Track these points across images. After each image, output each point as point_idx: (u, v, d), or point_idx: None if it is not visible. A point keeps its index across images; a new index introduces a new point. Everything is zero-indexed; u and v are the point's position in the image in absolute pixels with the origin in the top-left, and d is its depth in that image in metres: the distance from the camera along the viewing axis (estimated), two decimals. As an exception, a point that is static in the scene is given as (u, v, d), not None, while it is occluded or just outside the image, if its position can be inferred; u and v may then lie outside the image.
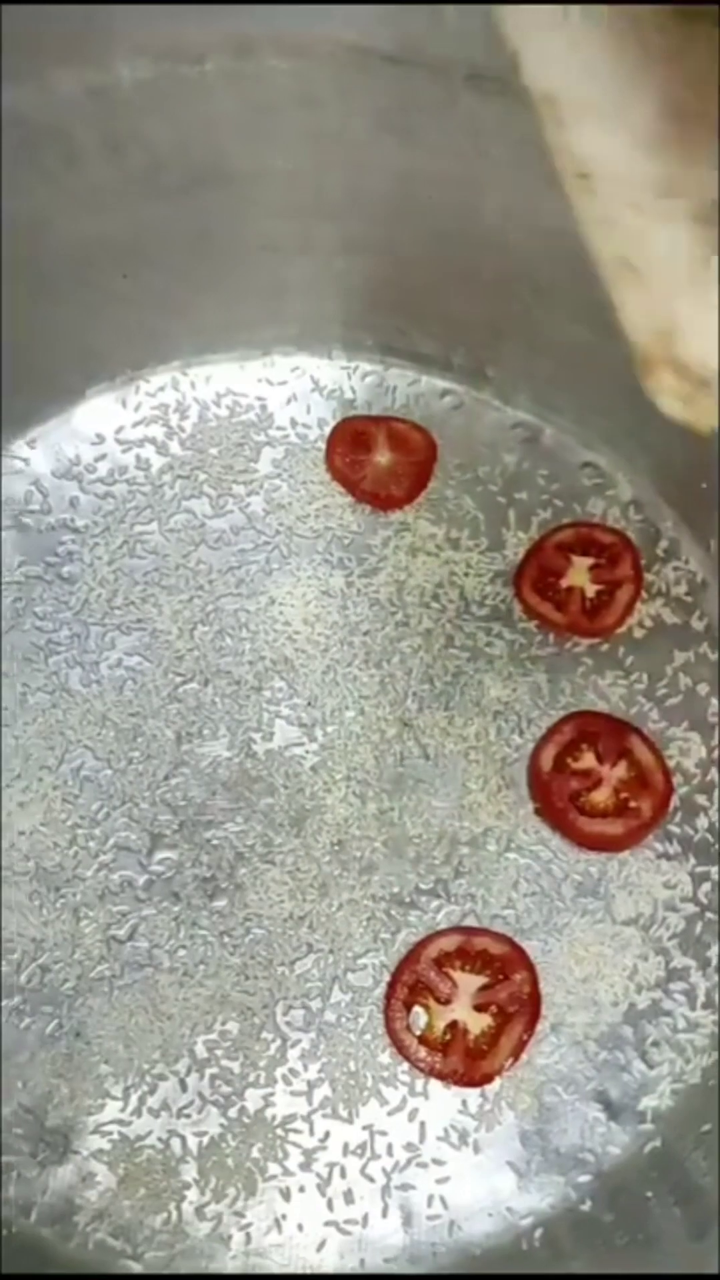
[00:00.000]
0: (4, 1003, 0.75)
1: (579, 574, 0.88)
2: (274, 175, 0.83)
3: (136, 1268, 0.69)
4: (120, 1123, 0.72)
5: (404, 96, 0.76)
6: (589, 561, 0.88)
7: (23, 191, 0.78)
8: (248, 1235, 0.70)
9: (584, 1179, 0.71)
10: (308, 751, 0.82)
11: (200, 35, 0.73)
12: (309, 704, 0.84)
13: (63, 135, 0.76)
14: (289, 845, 0.80)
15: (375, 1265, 0.69)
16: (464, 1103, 0.73)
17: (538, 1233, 0.70)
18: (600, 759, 0.81)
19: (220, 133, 0.80)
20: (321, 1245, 0.70)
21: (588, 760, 0.82)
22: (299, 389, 0.94)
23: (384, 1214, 0.70)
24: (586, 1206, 0.70)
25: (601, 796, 0.80)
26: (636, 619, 0.86)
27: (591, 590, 0.87)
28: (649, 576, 0.88)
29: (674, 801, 0.81)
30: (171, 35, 0.73)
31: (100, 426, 0.92)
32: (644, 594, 0.87)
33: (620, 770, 0.81)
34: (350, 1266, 0.69)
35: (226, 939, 0.77)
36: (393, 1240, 0.70)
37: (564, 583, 0.87)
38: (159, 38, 0.72)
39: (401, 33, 0.74)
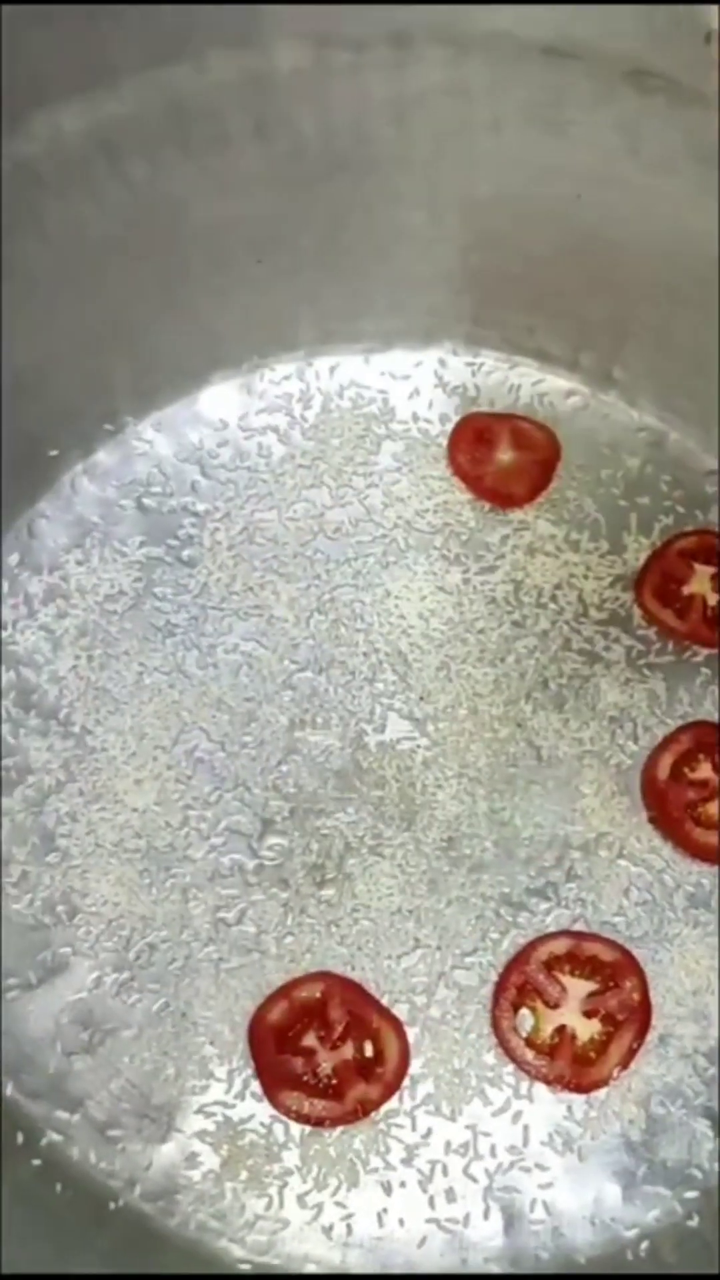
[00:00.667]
0: (113, 977, 0.75)
1: (701, 582, 0.86)
2: (416, 165, 0.83)
3: (236, 1250, 0.69)
4: (224, 1105, 0.72)
5: (558, 90, 0.75)
6: (712, 570, 0.87)
7: (169, 172, 0.79)
8: (349, 1226, 0.69)
9: (691, 1195, 0.70)
10: (419, 746, 0.82)
11: (360, 24, 0.73)
12: (421, 699, 0.83)
13: (215, 117, 0.77)
14: (399, 839, 0.79)
15: (476, 1265, 0.68)
16: (569, 1109, 0.72)
17: (643, 1245, 0.69)
18: (717, 770, 0.80)
19: (368, 121, 0.79)
20: (423, 1242, 0.69)
21: (704, 771, 0.80)
22: (422, 383, 0.94)
23: (485, 1215, 0.70)
24: (694, 1223, 0.69)
25: (717, 808, 0.79)
26: (759, 630, 0.85)
27: (713, 599, 0.86)
28: (773, 588, 0.86)
29: None
30: (332, 23, 0.73)
31: (224, 413, 0.92)
32: (767, 606, 0.86)
33: (739, 782, 0.80)
34: (450, 1265, 0.69)
35: (334, 928, 0.77)
36: (495, 1242, 0.69)
37: (686, 590, 0.86)
38: (321, 24, 0.72)
39: (561, 24, 0.73)
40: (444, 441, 0.91)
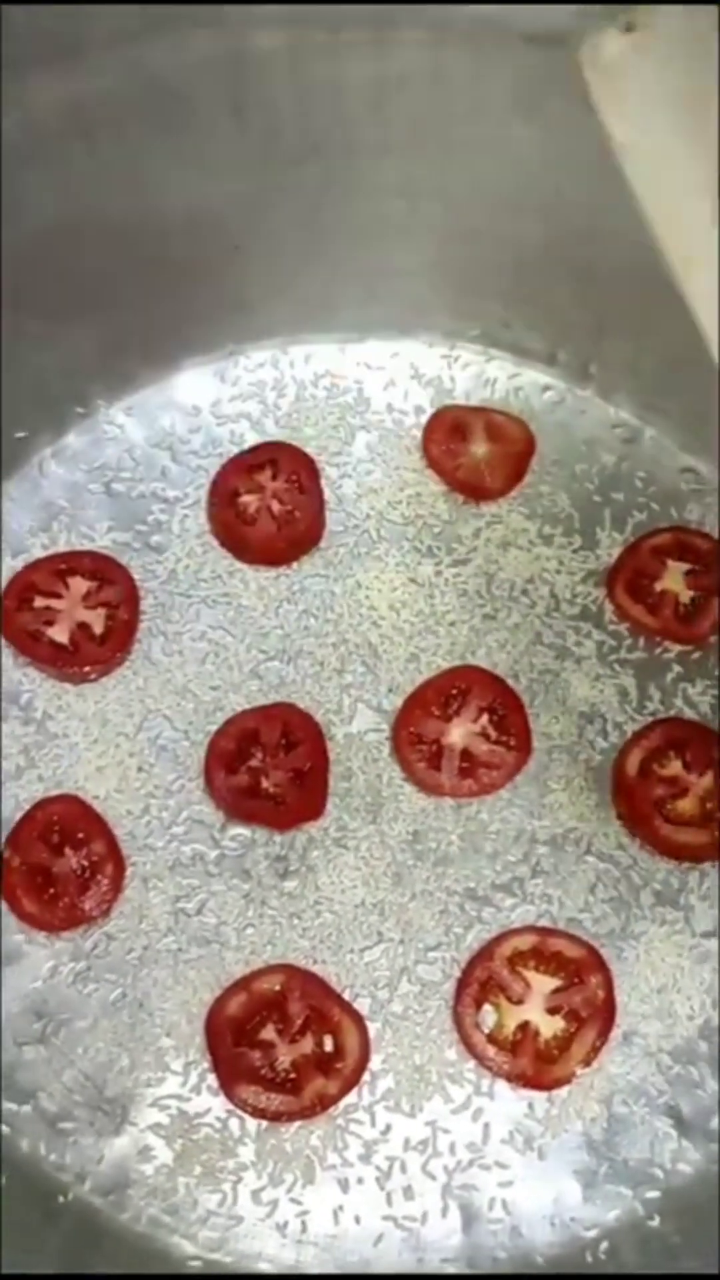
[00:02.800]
0: (69, 966, 0.74)
1: (674, 579, 0.86)
2: (395, 151, 0.82)
3: (188, 1246, 0.67)
4: (179, 1098, 0.71)
5: (541, 79, 0.74)
6: (684, 567, 0.86)
7: (144, 150, 0.78)
8: (304, 1223, 0.68)
9: (652, 1194, 0.69)
10: (387, 738, 0.81)
11: (338, 5, 0.72)
12: (390, 690, 0.82)
13: (191, 96, 0.76)
14: (364, 831, 0.78)
15: (433, 1265, 0.67)
16: (530, 1106, 0.71)
17: (602, 1246, 0.68)
18: (688, 767, 0.80)
19: (346, 105, 0.79)
20: (379, 1240, 0.68)
21: (674, 768, 0.80)
22: (397, 374, 0.93)
23: (444, 1213, 0.69)
24: (654, 1223, 0.68)
25: (687, 805, 0.79)
26: (730, 628, 0.85)
27: (686, 596, 0.85)
28: (745, 586, 0.86)
29: (761, 816, 0.79)
30: (310, 3, 0.72)
31: (197, 399, 0.91)
32: (739, 603, 0.85)
33: (708, 780, 0.79)
34: (407, 1264, 0.67)
35: (296, 921, 0.76)
36: (452, 1241, 0.68)
37: (658, 586, 0.86)
38: (299, 4, 0.72)
39: (544, 11, 0.72)
40: (418, 433, 0.91)
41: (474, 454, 0.90)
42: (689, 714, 0.82)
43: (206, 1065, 0.71)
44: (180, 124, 0.78)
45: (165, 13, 0.73)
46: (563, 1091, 0.71)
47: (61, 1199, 0.67)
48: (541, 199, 0.83)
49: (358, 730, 0.81)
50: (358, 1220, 0.68)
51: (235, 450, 0.89)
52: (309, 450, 0.89)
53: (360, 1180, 0.69)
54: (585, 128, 0.77)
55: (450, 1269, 0.67)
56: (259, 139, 0.80)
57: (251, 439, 0.90)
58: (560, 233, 0.85)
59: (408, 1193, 0.69)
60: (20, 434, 0.87)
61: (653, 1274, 0.62)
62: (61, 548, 0.85)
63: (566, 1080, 0.71)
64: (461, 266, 0.89)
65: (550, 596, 0.86)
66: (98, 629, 0.82)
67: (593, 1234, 0.68)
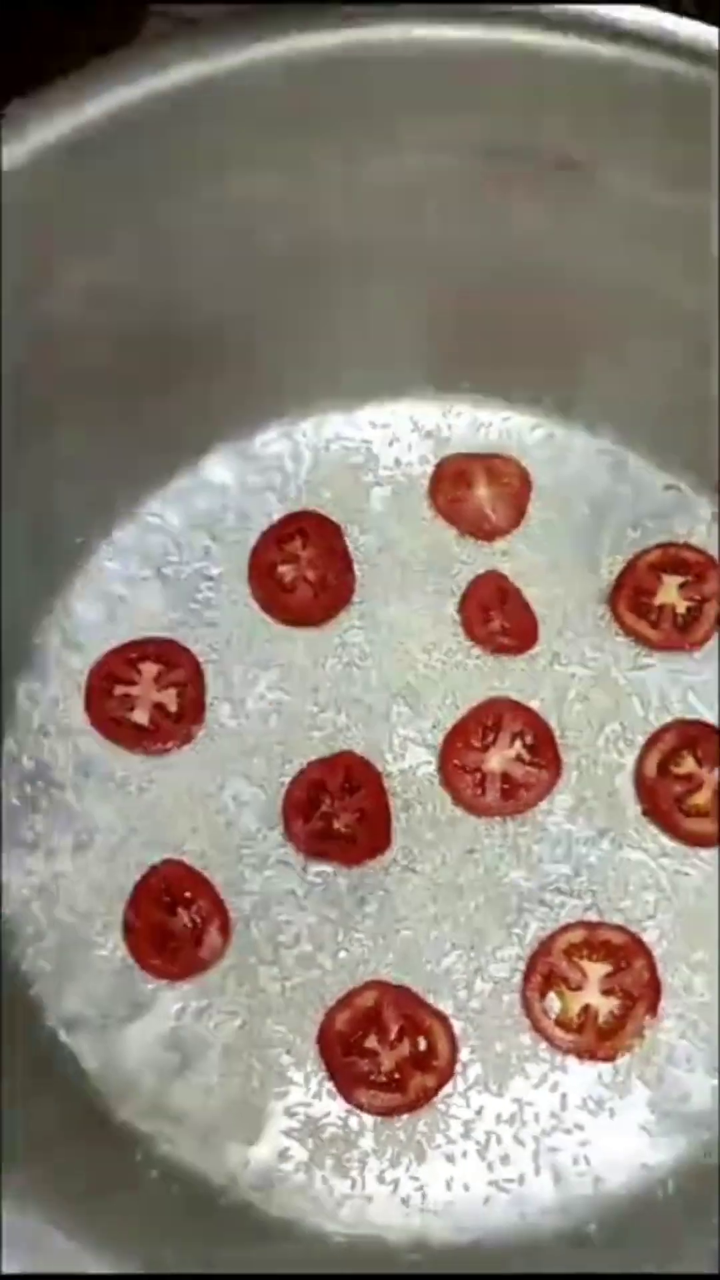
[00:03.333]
0: (193, 1005, 0.86)
1: (669, 592, 0.96)
2: (376, 248, 0.91)
3: (330, 1225, 0.81)
4: (304, 1105, 0.84)
5: (498, 184, 0.83)
6: (678, 580, 0.96)
7: (161, 300, 0.88)
8: (423, 1195, 0.82)
9: (708, 1136, 0.82)
10: (436, 770, 0.92)
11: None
12: (434, 726, 0.94)
13: (192, 240, 0.85)
14: (426, 855, 0.90)
15: (534, 1217, 0.80)
16: (599, 1075, 0.84)
17: (670, 1183, 0.81)
18: (700, 763, 0.91)
19: (329, 223, 0.88)
20: (486, 1201, 0.81)
21: (688, 765, 0.91)
22: (400, 431, 1.02)
23: (536, 1173, 0.82)
24: (711, 1159, 0.81)
25: (703, 798, 0.90)
26: (725, 630, 0.95)
27: (682, 606, 0.96)
28: (734, 590, 0.96)
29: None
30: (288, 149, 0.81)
31: (224, 479, 1.01)
32: (730, 607, 0.96)
33: (718, 773, 0.90)
34: (512, 1219, 0.81)
35: (380, 940, 0.88)
36: (546, 1195, 0.81)
37: (656, 601, 0.96)
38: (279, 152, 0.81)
39: (492, 126, 0.81)
40: (425, 482, 1.01)
41: (478, 497, 1.00)
42: (698, 714, 0.94)
43: (323, 1074, 0.84)
44: (184, 261, 0.87)
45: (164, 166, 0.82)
46: (624, 1060, 0.84)
47: (221, 1200, 0.81)
48: (510, 272, 0.93)
49: (409, 765, 0.93)
50: (466, 1188, 0.82)
51: (265, 521, 0.99)
52: (330, 513, 0.99)
53: (464, 1154, 0.83)
54: (541, 220, 0.87)
55: (548, 1218, 0.80)
56: (246, 264, 0.89)
57: (278, 508, 1.00)
58: (530, 298, 0.94)
59: (505, 1160, 0.82)
60: (79, 539, 0.97)
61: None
62: (126, 636, 0.96)
63: (626, 1050, 0.84)
64: (446, 333, 0.99)
65: (562, 619, 0.97)
66: (172, 707, 0.93)
67: (661, 1174, 0.82)
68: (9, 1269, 0.65)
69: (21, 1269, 0.65)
